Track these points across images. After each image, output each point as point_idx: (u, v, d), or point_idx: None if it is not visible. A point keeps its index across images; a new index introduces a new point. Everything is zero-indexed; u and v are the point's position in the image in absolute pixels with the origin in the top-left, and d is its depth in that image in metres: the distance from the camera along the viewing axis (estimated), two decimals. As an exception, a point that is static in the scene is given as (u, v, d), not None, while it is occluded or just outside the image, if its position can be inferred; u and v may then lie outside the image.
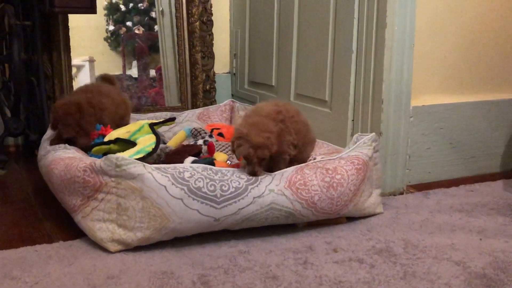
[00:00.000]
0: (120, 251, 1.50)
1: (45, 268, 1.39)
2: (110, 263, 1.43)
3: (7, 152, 2.37)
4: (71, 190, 1.57)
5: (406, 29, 1.93)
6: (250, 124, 1.58)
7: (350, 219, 1.74)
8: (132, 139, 1.84)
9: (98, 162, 1.52)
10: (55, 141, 1.87)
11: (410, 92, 1.98)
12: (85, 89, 2.02)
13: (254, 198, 1.53)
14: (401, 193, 2.03)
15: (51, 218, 1.75)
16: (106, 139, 1.90)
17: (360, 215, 1.76)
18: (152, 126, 1.90)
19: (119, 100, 2.08)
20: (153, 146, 1.77)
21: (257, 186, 1.55)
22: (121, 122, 2.06)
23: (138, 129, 1.90)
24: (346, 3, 2.04)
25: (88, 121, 1.89)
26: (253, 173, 1.56)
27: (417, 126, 2.07)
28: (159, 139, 1.82)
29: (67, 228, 1.63)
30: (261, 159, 1.55)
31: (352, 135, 1.99)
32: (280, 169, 1.63)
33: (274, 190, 1.56)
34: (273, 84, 2.58)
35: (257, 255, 1.48)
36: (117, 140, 1.82)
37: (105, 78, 2.23)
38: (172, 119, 2.02)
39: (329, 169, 1.65)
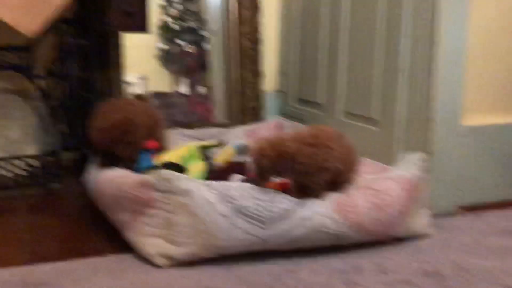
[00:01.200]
0: (168, 266, 1.52)
1: (95, 281, 1.43)
2: (159, 277, 1.46)
3: (62, 166, 2.45)
4: (121, 206, 1.61)
5: (457, 47, 1.90)
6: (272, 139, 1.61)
7: (399, 239, 1.72)
8: (183, 164, 1.89)
9: (149, 177, 1.55)
10: (104, 164, 1.86)
11: (461, 111, 1.94)
12: (117, 107, 1.97)
13: (301, 220, 1.53)
14: (451, 215, 1.98)
15: (102, 231, 1.80)
16: (158, 162, 1.95)
17: (409, 236, 1.73)
18: (202, 150, 1.95)
19: (151, 113, 2.06)
20: (203, 175, 1.81)
21: (305, 208, 1.55)
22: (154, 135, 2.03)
23: (189, 153, 1.95)
24: (395, 20, 2.03)
25: (142, 138, 1.88)
26: (258, 183, 1.57)
27: (468, 146, 2.02)
28: (211, 168, 1.86)
29: (117, 242, 1.67)
30: (260, 168, 1.56)
31: (400, 154, 1.97)
32: (314, 194, 1.60)
33: (322, 213, 1.56)
34: (321, 102, 2.58)
35: (304, 274, 1.48)
36: (168, 164, 1.86)
37: (138, 96, 2.26)
38: (222, 143, 2.06)
39: (377, 189, 1.64)
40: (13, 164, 2.30)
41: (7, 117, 2.51)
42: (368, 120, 2.19)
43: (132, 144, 1.83)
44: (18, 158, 2.33)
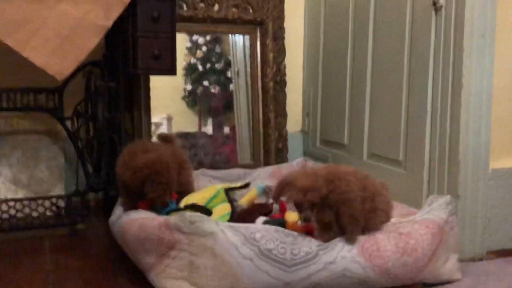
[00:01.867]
0: (190, 309, 1.51)
1: (118, 324, 1.42)
2: (181, 321, 1.44)
3: (88, 206, 2.48)
4: (145, 248, 1.60)
5: (483, 89, 1.89)
6: (296, 173, 1.58)
7: (426, 284, 1.67)
8: (208, 206, 1.89)
9: (173, 219, 1.56)
10: (128, 204, 1.86)
11: (489, 154, 1.92)
12: (147, 147, 1.95)
13: (325, 264, 1.51)
14: (481, 259, 1.93)
15: (126, 273, 1.79)
16: (182, 204, 1.96)
17: (436, 281, 1.68)
18: (227, 192, 1.95)
19: (178, 154, 2.05)
20: (228, 217, 1.80)
21: (328, 252, 1.53)
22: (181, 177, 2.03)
23: (214, 195, 1.95)
24: (421, 62, 2.03)
25: (173, 179, 1.86)
26: (307, 219, 1.53)
27: (497, 189, 1.98)
28: (234, 210, 1.86)
29: (142, 284, 1.66)
30: (312, 203, 1.52)
31: (427, 196, 1.94)
32: (348, 234, 1.57)
33: (346, 257, 1.53)
34: (346, 143, 2.57)
35: (328, 320, 1.45)
36: (193, 206, 1.87)
37: (164, 138, 2.19)
38: (247, 185, 2.06)
39: (403, 233, 1.61)
40: (39, 204, 2.33)
41: (35, 157, 2.55)
42: (394, 162, 2.18)
43: (163, 184, 1.82)
44: (44, 198, 2.36)
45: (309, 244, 1.52)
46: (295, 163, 2.60)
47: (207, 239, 1.50)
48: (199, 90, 3.23)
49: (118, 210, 1.90)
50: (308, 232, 1.61)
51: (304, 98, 2.98)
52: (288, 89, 2.83)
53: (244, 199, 2.05)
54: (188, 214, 1.54)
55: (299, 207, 1.55)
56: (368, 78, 2.38)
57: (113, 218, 1.89)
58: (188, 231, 1.52)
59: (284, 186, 1.55)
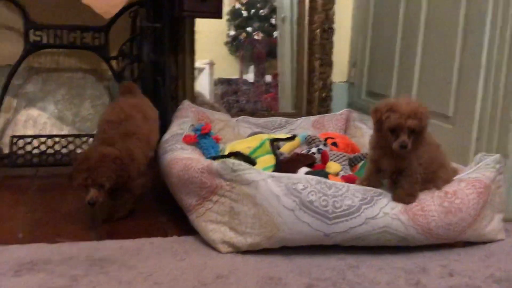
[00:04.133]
0: (229, 252, 1.52)
1: (159, 261, 1.45)
2: (220, 262, 1.46)
3: (130, 146, 2.50)
4: (187, 190, 1.62)
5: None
6: (397, 99, 1.54)
7: (468, 243, 1.65)
8: (252, 156, 1.88)
9: (215, 164, 1.55)
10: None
11: (544, 113, 1.84)
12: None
13: (366, 219, 1.49)
14: (526, 221, 1.89)
15: (166, 213, 1.82)
16: (227, 151, 1.96)
17: (479, 240, 1.65)
18: (272, 143, 1.93)
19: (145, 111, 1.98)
20: (272, 169, 1.79)
21: (371, 206, 1.51)
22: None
23: (259, 145, 1.94)
24: (478, 16, 1.93)
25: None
26: (404, 146, 1.48)
27: (549, 150, 1.91)
28: (279, 162, 1.84)
29: (181, 224, 1.69)
30: (411, 130, 1.48)
31: (475, 154, 1.88)
32: (409, 187, 1.55)
33: (389, 213, 1.51)
34: (393, 95, 2.51)
35: (367, 271, 1.44)
36: (237, 154, 1.86)
37: (126, 89, 2.10)
38: (293, 137, 2.03)
39: (448, 192, 1.57)
40: (83, 141, 2.37)
41: (80, 95, 2.58)
42: (442, 117, 2.11)
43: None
44: (88, 135, 2.40)
45: (352, 198, 1.51)
46: (339, 114, 2.55)
47: (249, 188, 1.50)
48: (242, 36, 3.19)
49: (165, 145, 1.91)
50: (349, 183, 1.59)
51: (352, 47, 2.90)
52: (335, 38, 2.76)
53: (285, 148, 2.03)
54: (231, 161, 1.53)
55: (395, 131, 1.50)
56: (421, 29, 2.29)
57: (160, 152, 1.90)
58: (230, 178, 1.52)
59: (387, 108, 1.51)
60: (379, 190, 1.56)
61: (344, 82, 2.90)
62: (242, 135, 2.34)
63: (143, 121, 1.89)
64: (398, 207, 1.53)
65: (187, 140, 1.90)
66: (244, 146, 1.94)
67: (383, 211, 1.51)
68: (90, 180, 1.61)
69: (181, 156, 1.75)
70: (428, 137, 1.58)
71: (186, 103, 2.33)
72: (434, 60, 2.20)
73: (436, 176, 1.60)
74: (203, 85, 2.99)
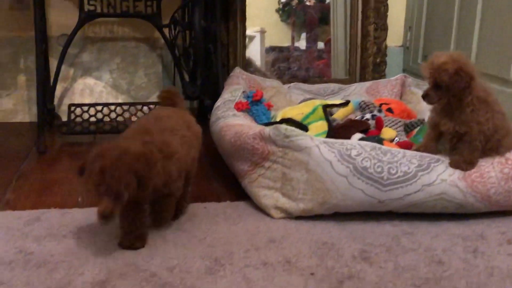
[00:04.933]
0: (282, 218, 1.52)
1: (213, 225, 1.46)
2: (273, 227, 1.46)
3: (183, 114, 2.52)
4: (240, 156, 1.62)
5: None
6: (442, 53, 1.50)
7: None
8: (304, 122, 1.86)
9: (268, 130, 1.55)
10: None
11: None
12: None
13: (423, 186, 1.46)
14: None
15: (220, 178, 1.84)
16: (279, 117, 1.94)
17: (541, 207, 1.59)
18: (325, 109, 1.90)
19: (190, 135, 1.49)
20: (324, 136, 1.76)
21: (428, 173, 1.47)
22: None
23: (311, 111, 1.91)
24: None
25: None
26: (424, 95, 1.50)
27: None
28: (331, 128, 1.81)
29: (234, 190, 1.70)
30: (432, 82, 1.47)
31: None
32: (468, 154, 1.50)
33: (447, 180, 1.47)
34: (450, 60, 2.42)
35: (422, 237, 1.42)
36: (289, 121, 1.84)
37: (167, 97, 1.61)
38: (346, 103, 1.99)
39: (509, 159, 1.51)
40: (138, 109, 2.41)
41: (134, 64, 2.62)
42: (503, 81, 2.02)
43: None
44: (143, 103, 2.43)
45: (408, 164, 1.47)
46: (394, 80, 2.49)
47: (301, 154, 1.48)
48: (294, 2, 3.13)
49: (217, 111, 1.92)
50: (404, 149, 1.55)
51: (408, 10, 2.80)
52: (390, 1, 2.67)
53: (339, 114, 2.00)
54: (284, 127, 1.52)
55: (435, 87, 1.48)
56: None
57: (212, 119, 1.91)
58: (282, 144, 1.51)
59: (426, 62, 1.50)
60: (436, 156, 1.52)
61: (399, 46, 2.82)
62: (294, 102, 2.32)
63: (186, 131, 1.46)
64: (456, 173, 1.48)
65: (239, 107, 1.90)
66: (296, 112, 1.92)
67: (441, 178, 1.47)
68: (103, 187, 1.18)
69: (233, 122, 1.75)
70: (495, 104, 1.51)
71: (237, 70, 2.32)
72: (494, 22, 2.10)
73: (499, 145, 1.54)
74: (254, 52, 2.97)
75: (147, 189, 1.24)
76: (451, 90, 1.46)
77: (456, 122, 1.49)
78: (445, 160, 1.52)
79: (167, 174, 1.30)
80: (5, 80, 2.51)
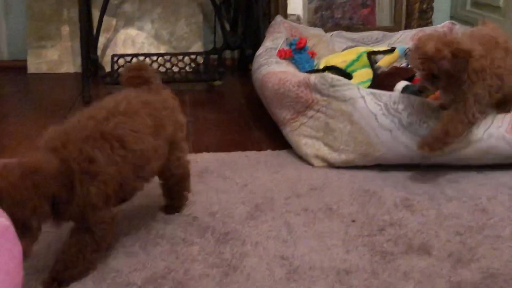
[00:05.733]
0: (323, 167, 1.52)
1: (254, 172, 1.47)
2: (314, 176, 1.46)
3: (225, 64, 2.52)
4: (282, 104, 1.61)
5: None
6: (431, 36, 1.34)
7: None
8: (348, 70, 1.82)
9: (313, 78, 1.52)
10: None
11: None
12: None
13: (469, 141, 1.42)
14: None
15: (260, 128, 1.84)
16: (321, 65, 1.91)
17: None
18: (370, 56, 1.85)
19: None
20: (368, 84, 1.72)
21: (474, 129, 1.42)
22: None
23: (355, 59, 1.86)
24: None
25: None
26: (420, 90, 1.38)
27: None
28: (376, 76, 1.77)
29: (275, 139, 1.70)
30: (428, 73, 1.32)
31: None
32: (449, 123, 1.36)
33: (493, 134, 1.42)
34: (500, 4, 2.31)
35: (467, 186, 1.39)
36: (332, 68, 1.81)
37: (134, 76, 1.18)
38: (391, 50, 1.94)
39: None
40: (179, 60, 2.41)
41: (175, 14, 2.61)
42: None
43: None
44: (184, 54, 2.43)
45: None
46: (441, 27, 2.40)
47: (346, 105, 1.46)
48: None
49: (259, 59, 1.90)
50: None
51: (456, -47, 2.67)
52: None
53: (383, 61, 1.95)
54: (330, 76, 1.49)
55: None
56: None
57: (254, 66, 1.90)
58: (327, 94, 1.49)
59: (414, 46, 1.35)
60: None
61: (447, -9, 2.71)
62: (337, 50, 2.26)
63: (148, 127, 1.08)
64: (504, 126, 1.43)
65: (282, 55, 1.87)
66: (339, 59, 1.88)
67: (488, 132, 1.42)
68: (10, 216, 0.87)
69: (276, 70, 1.73)
70: (495, 62, 1.36)
71: (279, 19, 2.28)
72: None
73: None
74: (296, 1, 2.90)
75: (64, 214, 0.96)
76: (451, 76, 1.31)
77: (455, 95, 1.37)
78: (492, 113, 1.46)
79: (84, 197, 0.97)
80: (50, 31, 2.54)
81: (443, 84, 1.34)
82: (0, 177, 0.90)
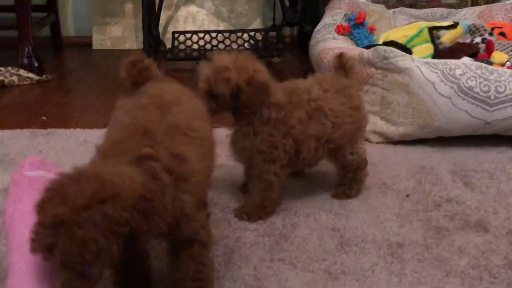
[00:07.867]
0: (380, 143, 1.50)
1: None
2: (370, 152, 1.42)
3: (283, 41, 2.51)
4: (338, 76, 1.59)
5: None
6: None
7: None
8: (408, 45, 1.77)
9: (366, 52, 1.50)
10: None
11: None
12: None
13: None
14: None
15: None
16: (381, 40, 1.87)
17: None
18: (431, 31, 1.79)
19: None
20: (429, 59, 1.67)
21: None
22: None
23: (416, 34, 1.81)
24: None
25: None
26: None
27: None
28: (437, 51, 1.71)
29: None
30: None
31: None
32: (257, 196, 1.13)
33: None
34: None
35: (530, 164, 1.34)
36: (392, 43, 1.77)
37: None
38: (454, 25, 1.87)
39: None
40: (238, 37, 2.42)
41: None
42: None
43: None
44: (243, 31, 2.44)
45: (519, 81, 1.37)
46: (509, 3, 2.29)
47: (402, 76, 1.43)
48: None
49: (317, 35, 1.88)
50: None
51: None
52: None
53: (446, 37, 1.88)
54: (383, 48, 1.46)
55: None
56: None
57: (312, 42, 1.88)
58: (381, 66, 1.46)
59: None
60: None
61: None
62: (398, 26, 2.22)
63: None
64: None
65: (340, 30, 1.84)
66: (400, 34, 1.83)
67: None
68: (57, 254, 0.66)
69: (332, 45, 1.71)
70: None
71: (340, -5, 2.24)
72: None
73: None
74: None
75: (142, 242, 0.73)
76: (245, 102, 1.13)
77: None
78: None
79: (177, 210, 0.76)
80: (114, 8, 2.61)
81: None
82: (62, 199, 0.66)
